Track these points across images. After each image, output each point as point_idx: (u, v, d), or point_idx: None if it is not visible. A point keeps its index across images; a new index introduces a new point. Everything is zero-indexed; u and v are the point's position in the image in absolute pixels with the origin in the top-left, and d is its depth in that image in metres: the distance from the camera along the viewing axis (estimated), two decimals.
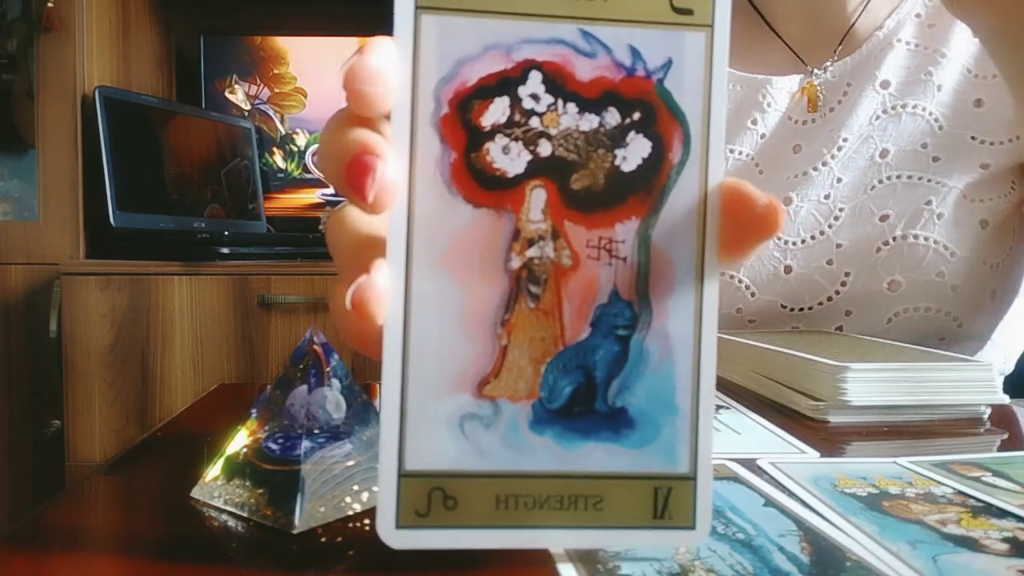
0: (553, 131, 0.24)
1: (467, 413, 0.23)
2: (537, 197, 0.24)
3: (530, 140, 0.23)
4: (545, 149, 0.24)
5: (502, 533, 0.24)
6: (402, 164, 0.23)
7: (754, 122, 0.71)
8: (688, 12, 0.23)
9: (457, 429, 0.23)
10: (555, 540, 0.24)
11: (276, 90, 1.73)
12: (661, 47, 0.23)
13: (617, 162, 0.24)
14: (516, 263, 0.24)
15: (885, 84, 0.68)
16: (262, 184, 1.70)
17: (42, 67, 1.43)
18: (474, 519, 0.24)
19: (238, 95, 1.72)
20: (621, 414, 0.24)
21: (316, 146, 1.71)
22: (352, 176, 0.22)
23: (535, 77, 0.23)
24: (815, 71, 0.71)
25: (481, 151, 0.23)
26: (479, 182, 0.23)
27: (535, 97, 0.23)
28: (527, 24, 0.23)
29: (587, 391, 0.24)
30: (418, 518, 0.23)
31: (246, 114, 1.72)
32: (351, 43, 1.67)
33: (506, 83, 0.23)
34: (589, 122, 0.24)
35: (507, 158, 0.23)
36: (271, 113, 1.73)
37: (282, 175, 1.74)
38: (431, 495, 0.23)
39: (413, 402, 0.23)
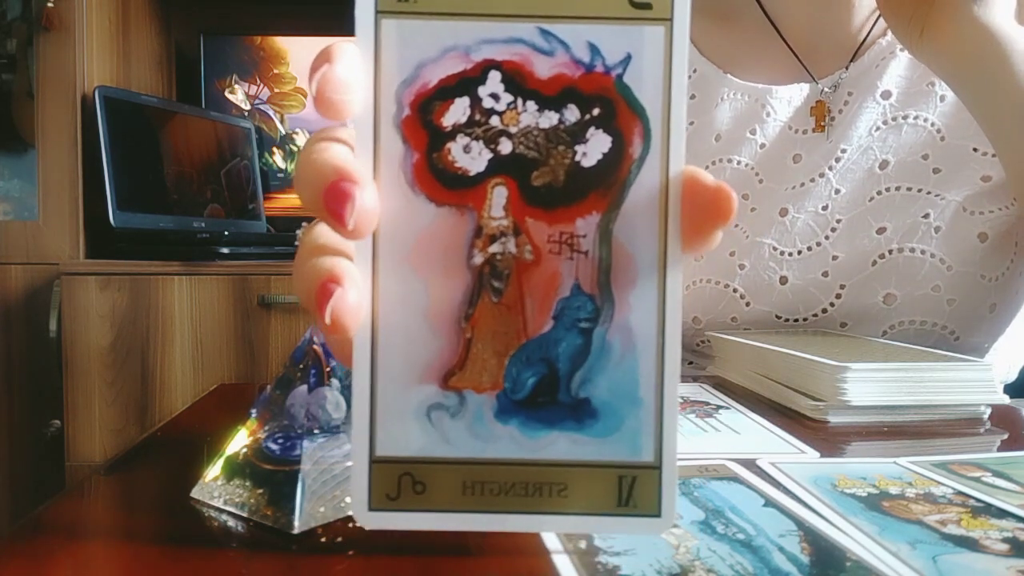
0: (513, 129, 0.24)
1: (434, 403, 0.24)
2: (498, 194, 0.24)
3: (491, 139, 0.24)
4: (506, 147, 0.24)
5: (469, 517, 0.25)
6: (366, 166, 0.24)
7: (753, 132, 0.71)
8: (646, 6, 0.24)
9: (424, 418, 0.24)
10: (521, 525, 0.25)
11: (276, 90, 1.73)
12: (620, 42, 0.24)
13: (577, 158, 0.24)
14: (479, 259, 0.24)
15: (886, 94, 0.68)
16: (262, 184, 1.70)
17: (42, 67, 1.43)
18: (442, 503, 0.25)
19: (238, 95, 1.72)
20: (584, 404, 0.24)
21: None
22: (330, 203, 0.23)
23: (494, 77, 0.24)
24: (823, 87, 0.70)
25: (443, 151, 0.24)
26: (441, 181, 0.24)
27: (495, 96, 0.24)
28: (485, 24, 0.24)
29: (550, 382, 0.24)
30: (389, 501, 0.24)
31: (246, 114, 1.72)
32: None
33: (466, 83, 0.24)
34: (549, 119, 0.24)
35: (468, 157, 0.24)
36: (271, 113, 1.73)
37: (282, 175, 1.74)
38: (401, 480, 0.24)
39: (382, 393, 0.24)
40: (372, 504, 0.24)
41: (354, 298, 0.23)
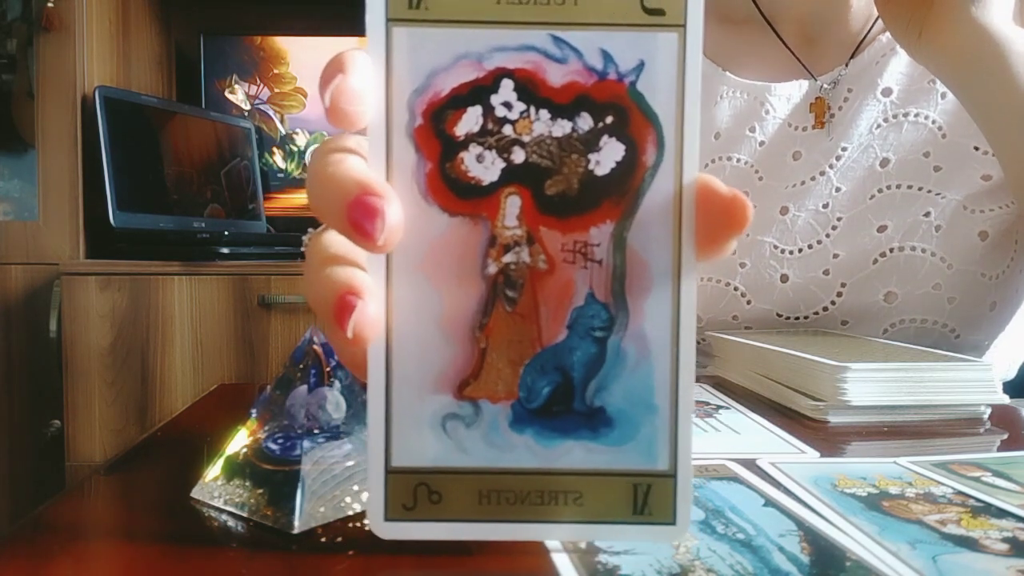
0: (526, 138, 0.24)
1: (449, 413, 0.24)
2: (512, 204, 0.24)
3: (504, 148, 0.24)
4: (519, 156, 0.24)
5: (485, 526, 0.25)
6: (379, 175, 0.23)
7: (753, 129, 0.71)
8: (660, 12, 0.23)
9: (439, 428, 0.24)
10: (536, 533, 0.25)
11: (276, 90, 1.73)
12: (633, 49, 0.24)
13: (591, 166, 0.24)
14: (493, 269, 0.24)
15: (887, 92, 0.68)
16: (262, 184, 1.70)
17: (42, 67, 1.43)
18: (458, 513, 0.25)
19: (238, 95, 1.72)
20: (599, 413, 0.24)
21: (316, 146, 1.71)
22: (357, 217, 0.22)
23: (507, 85, 0.24)
24: (823, 84, 0.70)
25: (456, 160, 0.24)
26: (454, 191, 0.24)
27: (507, 105, 0.24)
28: (497, 32, 0.23)
29: (565, 391, 0.24)
30: (405, 511, 0.25)
31: (246, 114, 1.72)
32: (351, 43, 1.66)
33: (478, 92, 0.24)
34: (562, 128, 0.24)
35: (481, 166, 0.24)
36: (271, 113, 1.73)
37: (282, 175, 1.74)
38: (416, 490, 0.25)
39: (397, 403, 0.24)
40: (388, 514, 0.24)
41: (374, 310, 0.23)
